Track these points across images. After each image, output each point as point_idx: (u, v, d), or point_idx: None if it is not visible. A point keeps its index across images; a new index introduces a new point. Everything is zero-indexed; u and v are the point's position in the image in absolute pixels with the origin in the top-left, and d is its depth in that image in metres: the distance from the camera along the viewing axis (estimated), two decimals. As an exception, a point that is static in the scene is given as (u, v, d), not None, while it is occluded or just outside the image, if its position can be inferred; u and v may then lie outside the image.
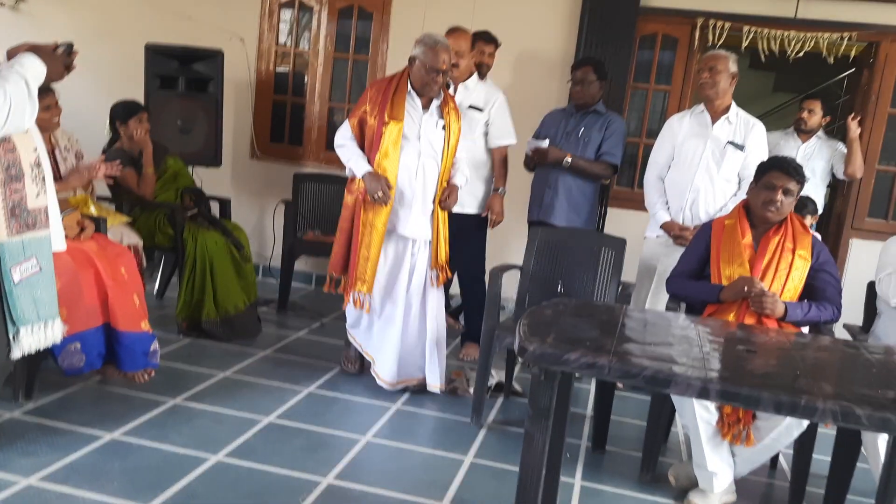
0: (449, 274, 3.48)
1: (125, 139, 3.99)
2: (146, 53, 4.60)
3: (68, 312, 2.73)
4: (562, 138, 3.86)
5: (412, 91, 3.27)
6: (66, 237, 2.88)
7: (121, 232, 3.56)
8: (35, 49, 1.96)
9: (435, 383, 3.36)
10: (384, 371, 3.36)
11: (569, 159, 3.75)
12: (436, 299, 3.42)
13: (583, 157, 3.80)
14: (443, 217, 3.39)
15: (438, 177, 3.34)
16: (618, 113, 4.11)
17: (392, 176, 3.22)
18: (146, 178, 3.96)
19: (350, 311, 3.46)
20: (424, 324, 3.38)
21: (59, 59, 2.02)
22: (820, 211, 4.36)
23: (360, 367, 3.57)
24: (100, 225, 3.21)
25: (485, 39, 4.12)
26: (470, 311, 4.16)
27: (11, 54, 1.94)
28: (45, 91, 3.22)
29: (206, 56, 4.71)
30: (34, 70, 1.90)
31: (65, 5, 5.31)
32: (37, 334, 2.12)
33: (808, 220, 3.90)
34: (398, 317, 3.34)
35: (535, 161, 3.89)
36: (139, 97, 4.42)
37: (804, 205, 3.86)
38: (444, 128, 3.31)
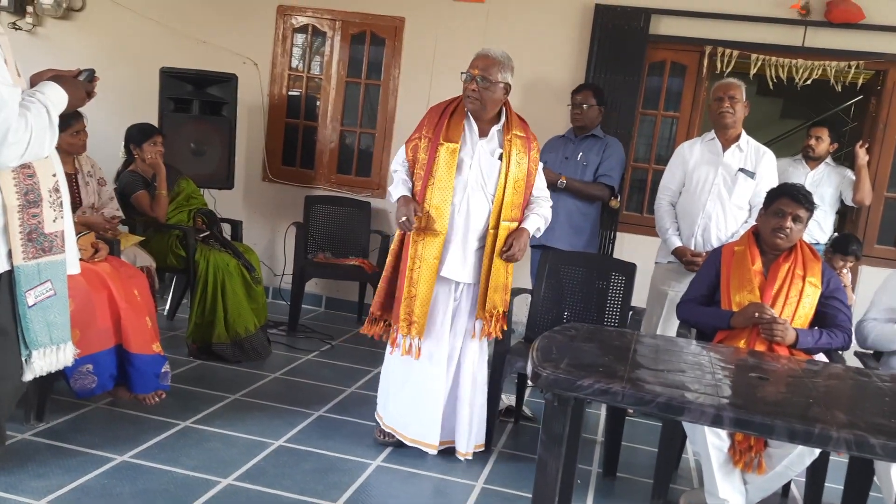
0: (504, 327, 3.01)
1: (139, 162, 4.04)
2: (161, 77, 4.67)
3: (81, 334, 2.76)
4: (561, 163, 3.92)
5: (469, 115, 2.91)
6: (81, 259, 2.93)
7: (134, 253, 3.60)
8: (57, 77, 2.00)
9: (463, 450, 2.96)
10: (427, 433, 2.94)
11: (563, 181, 3.82)
12: (474, 353, 2.99)
13: (580, 179, 3.85)
14: (498, 262, 2.91)
15: (489, 214, 2.88)
16: (617, 138, 4.19)
17: (445, 204, 2.83)
18: (159, 200, 3.99)
19: (386, 368, 3.08)
20: (458, 380, 2.98)
21: (81, 86, 2.05)
22: (829, 236, 4.37)
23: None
24: (113, 247, 3.24)
25: None
26: None
27: (35, 81, 1.98)
28: (76, 116, 3.31)
29: (221, 80, 4.77)
30: (56, 98, 1.93)
31: (81, 29, 5.41)
32: (49, 357, 2.13)
33: (849, 263, 3.90)
34: (441, 366, 2.93)
35: None
36: (153, 120, 4.48)
37: (851, 250, 3.85)
38: (501, 157, 2.89)
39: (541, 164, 3.03)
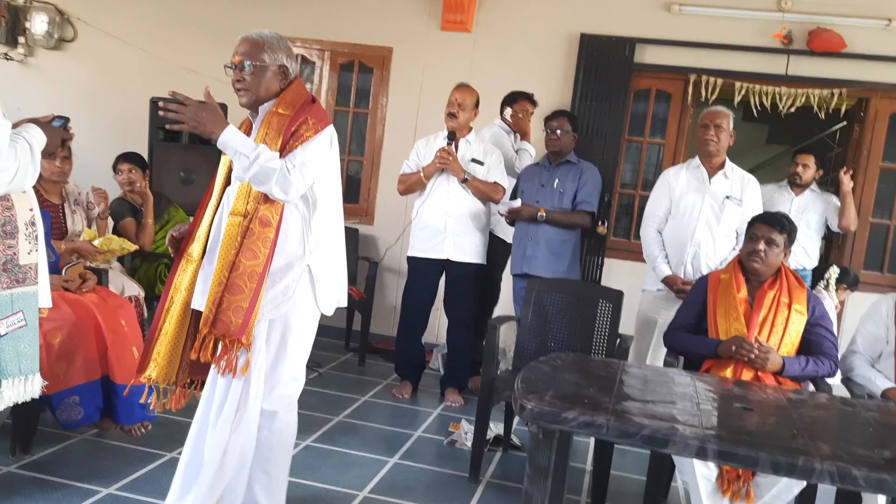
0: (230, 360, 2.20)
1: (123, 189, 4.07)
2: (151, 106, 4.69)
3: (68, 365, 2.75)
4: (538, 190, 3.96)
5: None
6: (68, 290, 2.93)
7: (122, 283, 3.59)
8: (35, 121, 2.10)
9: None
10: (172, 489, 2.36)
11: (542, 213, 3.85)
12: (237, 394, 2.23)
13: (559, 208, 3.90)
14: (220, 273, 2.17)
15: (227, 227, 2.21)
16: (603, 164, 4.24)
17: (205, 223, 2.37)
18: (145, 228, 4.00)
19: None
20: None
21: (57, 132, 2.13)
22: (815, 263, 4.41)
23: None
24: (101, 277, 3.24)
25: (530, 100, 4.42)
26: (452, 356, 4.20)
27: (16, 126, 2.04)
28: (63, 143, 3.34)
29: (210, 109, 4.79)
30: (38, 138, 2.04)
31: (72, 59, 5.43)
32: (17, 388, 2.14)
33: (843, 294, 3.95)
34: (201, 408, 2.38)
35: (511, 218, 3.99)
36: (143, 149, 4.50)
37: (852, 280, 3.89)
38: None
39: (315, 141, 2.23)
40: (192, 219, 2.43)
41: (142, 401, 2.42)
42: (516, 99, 4.40)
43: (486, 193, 3.99)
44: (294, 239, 2.25)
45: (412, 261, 4.15)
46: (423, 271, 4.10)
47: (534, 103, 4.43)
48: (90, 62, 5.41)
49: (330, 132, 2.30)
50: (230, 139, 2.16)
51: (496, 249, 4.28)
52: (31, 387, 2.14)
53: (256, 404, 2.26)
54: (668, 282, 3.58)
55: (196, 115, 2.16)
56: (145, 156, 4.43)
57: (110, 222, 3.81)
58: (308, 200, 2.28)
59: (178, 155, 4.76)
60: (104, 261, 3.50)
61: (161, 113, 2.20)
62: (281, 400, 2.32)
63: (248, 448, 2.27)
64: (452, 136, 3.97)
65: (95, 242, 3.37)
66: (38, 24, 5.27)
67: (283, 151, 2.19)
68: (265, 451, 2.33)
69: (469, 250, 4.01)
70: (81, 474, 2.71)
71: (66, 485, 2.62)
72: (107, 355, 2.90)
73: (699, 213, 3.58)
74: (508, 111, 4.41)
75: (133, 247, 3.59)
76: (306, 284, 2.29)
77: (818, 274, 4.37)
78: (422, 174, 4.01)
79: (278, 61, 2.30)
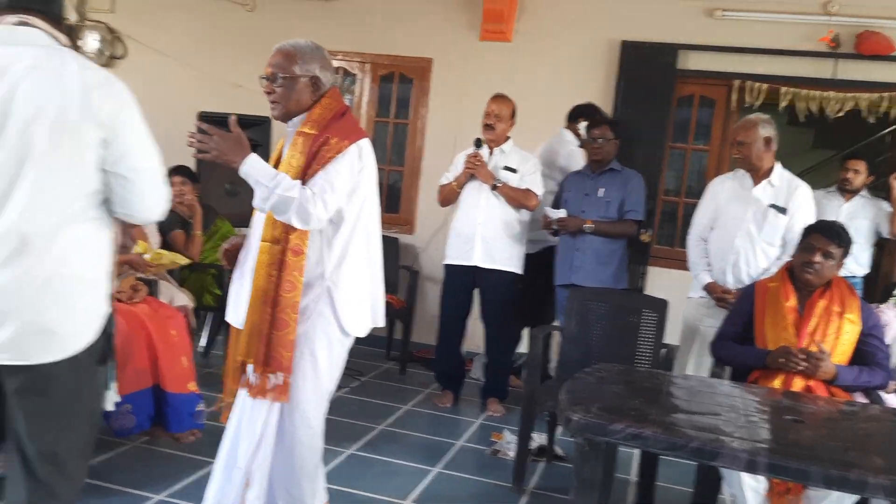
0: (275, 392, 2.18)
1: (172, 202, 4.17)
2: (198, 120, 4.81)
3: (120, 374, 2.82)
4: (582, 199, 3.94)
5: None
6: (120, 300, 3.02)
7: (171, 294, 3.67)
8: None
9: None
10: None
11: (590, 225, 3.82)
12: (258, 412, 2.20)
13: (605, 217, 3.87)
14: (254, 297, 2.18)
15: (261, 239, 2.21)
16: (647, 172, 4.18)
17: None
18: (194, 240, 4.10)
19: None
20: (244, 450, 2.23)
21: None
22: (866, 271, 4.30)
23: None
24: (152, 288, 3.33)
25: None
26: (491, 365, 4.20)
27: None
28: None
29: (255, 123, 4.88)
30: None
31: (123, 75, 5.50)
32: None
33: None
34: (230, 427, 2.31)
35: (560, 228, 3.94)
36: (190, 162, 4.60)
37: None
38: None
39: (337, 162, 2.15)
40: (238, 231, 2.49)
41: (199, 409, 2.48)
42: (592, 116, 4.26)
43: (518, 200, 3.98)
44: (312, 258, 2.20)
45: (446, 268, 4.18)
46: (456, 279, 4.11)
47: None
48: (140, 78, 5.55)
49: (356, 149, 2.20)
50: (251, 169, 2.15)
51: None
52: (112, 395, 2.25)
53: (272, 423, 2.23)
54: (709, 289, 3.53)
55: (219, 145, 2.16)
56: (192, 169, 4.53)
57: (155, 231, 3.90)
58: (331, 219, 2.20)
59: (224, 167, 4.83)
60: (155, 273, 3.58)
61: (188, 144, 2.24)
62: (303, 422, 2.26)
63: (263, 465, 2.24)
64: (479, 143, 3.99)
65: (146, 256, 3.46)
66: (91, 42, 5.45)
67: (305, 176, 2.14)
68: (287, 472, 2.28)
69: (500, 258, 3.99)
70: (134, 481, 2.79)
71: (120, 491, 2.70)
72: (157, 364, 2.97)
73: (741, 221, 3.52)
74: (583, 125, 4.26)
75: (184, 260, 3.67)
76: (326, 305, 2.21)
77: (870, 282, 4.25)
78: (454, 183, 4.04)
79: (310, 73, 2.23)
